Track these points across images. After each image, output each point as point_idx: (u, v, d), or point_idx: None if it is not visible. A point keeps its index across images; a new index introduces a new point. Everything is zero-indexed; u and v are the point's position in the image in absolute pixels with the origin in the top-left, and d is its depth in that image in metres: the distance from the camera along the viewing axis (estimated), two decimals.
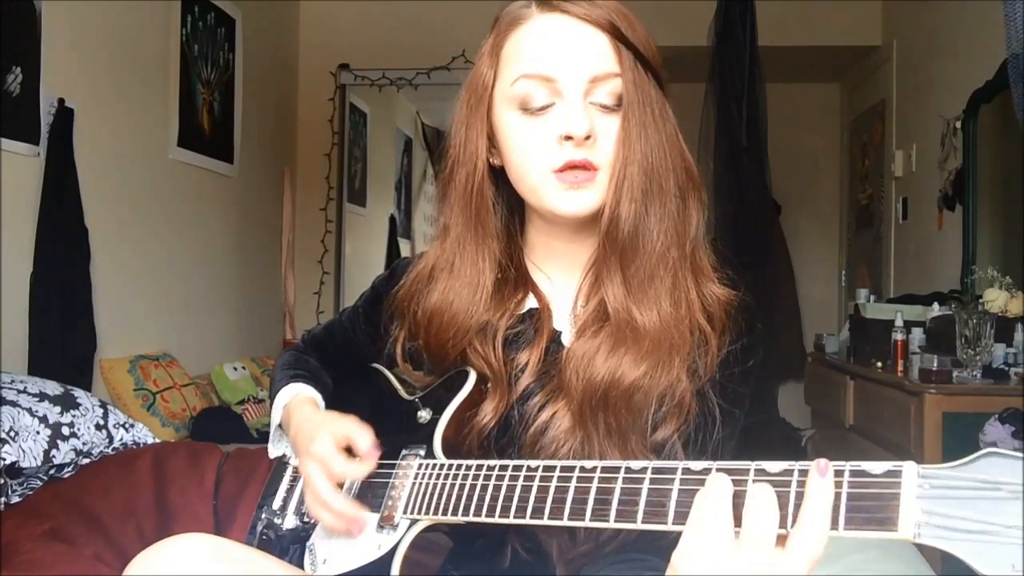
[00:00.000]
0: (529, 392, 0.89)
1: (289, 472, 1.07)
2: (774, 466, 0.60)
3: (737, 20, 3.51)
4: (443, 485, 0.80)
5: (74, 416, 2.13)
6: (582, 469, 0.69)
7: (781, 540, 0.57)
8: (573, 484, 0.69)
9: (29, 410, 2.02)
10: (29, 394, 2.08)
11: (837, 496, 0.56)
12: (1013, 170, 3.12)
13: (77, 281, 2.61)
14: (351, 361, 1.11)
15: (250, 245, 4.09)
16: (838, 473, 0.56)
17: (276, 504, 1.04)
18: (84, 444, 2.12)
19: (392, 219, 5.38)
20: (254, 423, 3.24)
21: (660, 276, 0.85)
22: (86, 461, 2.07)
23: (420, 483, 0.83)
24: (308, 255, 4.63)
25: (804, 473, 0.58)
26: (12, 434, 1.92)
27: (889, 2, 4.38)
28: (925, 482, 0.53)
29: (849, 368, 3.33)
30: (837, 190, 5.21)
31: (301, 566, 0.95)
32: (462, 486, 0.78)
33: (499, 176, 0.93)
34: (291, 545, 0.99)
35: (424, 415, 0.91)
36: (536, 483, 0.72)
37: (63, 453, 2.04)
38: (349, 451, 0.90)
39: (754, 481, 0.59)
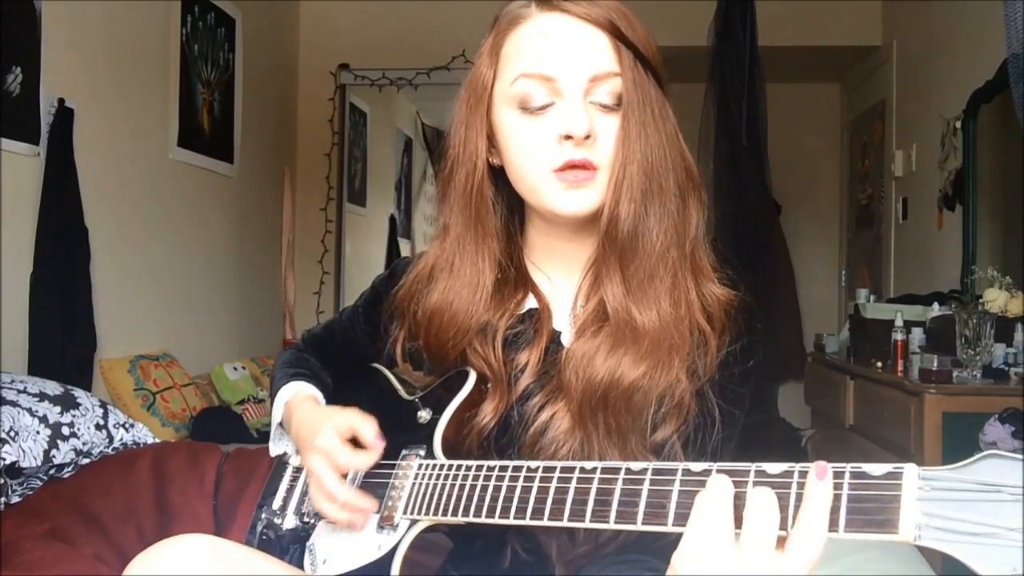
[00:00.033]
0: (529, 393, 0.89)
1: (289, 472, 1.07)
2: (774, 467, 0.60)
3: (737, 20, 3.51)
4: (443, 485, 0.80)
5: (74, 416, 2.13)
6: (582, 470, 0.69)
7: (781, 542, 0.57)
8: (573, 485, 0.69)
9: (29, 410, 2.02)
10: (29, 394, 2.08)
11: (837, 498, 0.56)
12: (1013, 170, 3.12)
13: (77, 281, 2.61)
14: (351, 361, 1.12)
15: (250, 245, 4.10)
16: (838, 475, 0.56)
17: (276, 504, 1.04)
18: (84, 444, 2.12)
19: (392, 219, 5.38)
20: (254, 423, 3.24)
21: (660, 276, 0.85)
22: (86, 461, 2.07)
23: (420, 483, 0.83)
24: (308, 255, 4.63)
25: (804, 475, 0.58)
26: (12, 434, 1.92)
27: (889, 2, 4.38)
28: (926, 484, 0.53)
29: (849, 368, 3.33)
30: (837, 190, 5.21)
31: (301, 566, 0.95)
32: (462, 487, 0.78)
33: (499, 176, 0.93)
34: (291, 545, 0.99)
35: (424, 415, 0.91)
36: (536, 484, 0.72)
37: (63, 453, 2.04)
38: (352, 443, 0.90)
39: (754, 483, 0.59)
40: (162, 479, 2.00)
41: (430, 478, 0.82)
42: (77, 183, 2.61)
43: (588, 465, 0.70)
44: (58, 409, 2.10)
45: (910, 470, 0.54)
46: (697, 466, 0.63)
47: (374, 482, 0.89)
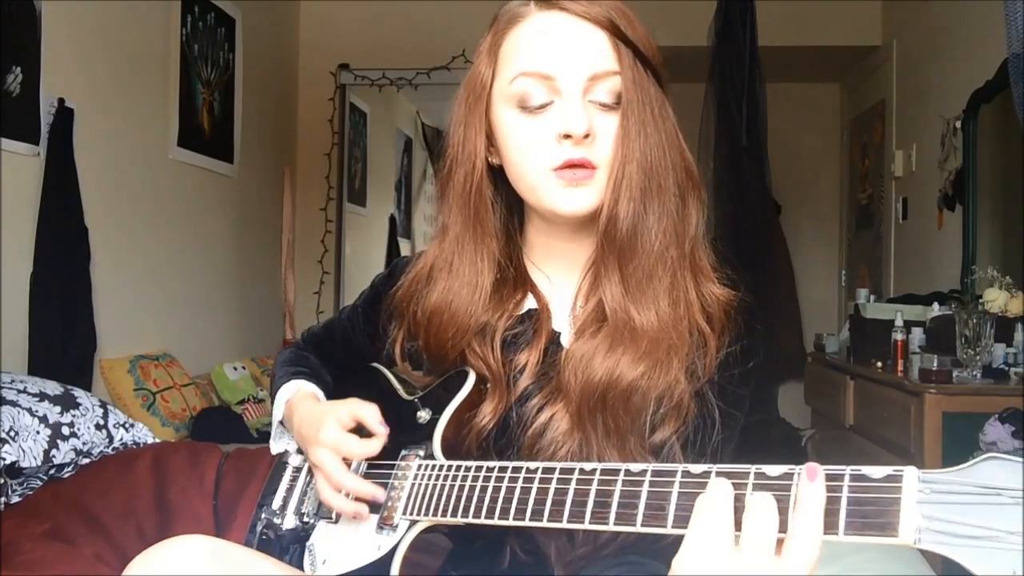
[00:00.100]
0: (528, 394, 0.89)
1: (288, 472, 1.07)
2: (774, 470, 0.59)
3: (737, 20, 3.51)
4: (442, 486, 0.80)
5: (74, 416, 2.13)
6: (581, 471, 0.69)
7: (780, 544, 0.57)
8: (572, 486, 0.69)
9: (29, 410, 2.02)
10: (29, 394, 2.08)
11: (837, 500, 0.56)
12: (1013, 170, 3.12)
13: (77, 281, 2.61)
14: (351, 360, 1.11)
15: (250, 245, 4.09)
16: (838, 477, 0.56)
17: (276, 504, 1.04)
18: (84, 444, 2.12)
19: (392, 219, 5.38)
20: (254, 423, 3.24)
21: (659, 276, 0.85)
22: (86, 461, 2.07)
23: (419, 484, 0.83)
24: (308, 255, 4.63)
25: None
26: (12, 434, 1.92)
27: (889, 2, 4.38)
28: (926, 487, 0.53)
29: (849, 368, 3.33)
30: (837, 190, 5.21)
31: (301, 566, 0.95)
32: (461, 487, 0.78)
33: (498, 175, 0.93)
34: (291, 545, 0.99)
35: (424, 415, 0.91)
36: (535, 485, 0.72)
37: (63, 453, 2.04)
38: (356, 433, 0.90)
39: (754, 485, 0.59)
40: (162, 479, 2.00)
41: (429, 478, 0.82)
42: (77, 183, 2.61)
43: (587, 466, 0.69)
44: (58, 409, 2.10)
45: (910, 473, 0.54)
46: (697, 468, 0.63)
47: (374, 482, 0.89)
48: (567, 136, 0.83)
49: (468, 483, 0.78)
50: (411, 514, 0.82)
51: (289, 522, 1.00)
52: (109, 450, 2.19)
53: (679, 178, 0.87)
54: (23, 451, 1.93)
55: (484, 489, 0.76)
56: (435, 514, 0.80)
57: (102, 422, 2.22)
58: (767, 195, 3.74)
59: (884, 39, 4.39)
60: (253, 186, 4.09)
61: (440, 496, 0.80)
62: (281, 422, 1.06)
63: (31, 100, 2.46)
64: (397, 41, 4.51)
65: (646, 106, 0.85)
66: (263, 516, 1.04)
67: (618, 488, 0.66)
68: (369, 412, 0.90)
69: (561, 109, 0.85)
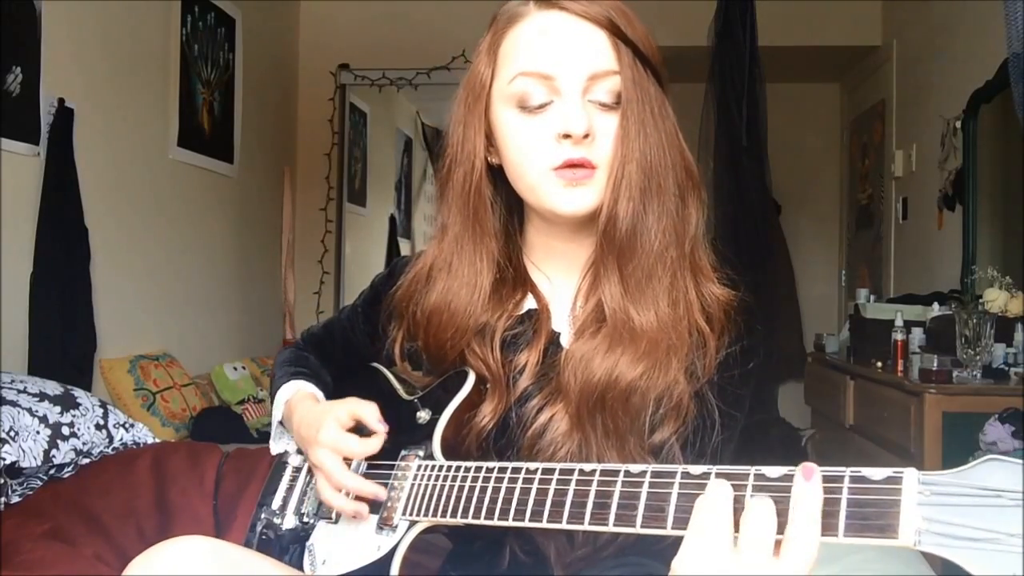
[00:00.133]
0: (528, 394, 0.89)
1: (288, 472, 1.07)
2: (773, 471, 0.59)
3: (737, 20, 3.51)
4: (442, 487, 0.80)
5: (74, 416, 2.13)
6: (581, 472, 0.69)
7: (779, 545, 0.57)
8: (572, 487, 0.69)
9: (29, 410, 2.02)
10: (29, 394, 2.08)
11: (837, 502, 0.55)
12: (1013, 170, 3.12)
13: (77, 281, 2.61)
14: (350, 360, 1.11)
15: (250, 245, 4.09)
16: (838, 479, 0.56)
17: (275, 504, 1.04)
18: (84, 444, 2.12)
19: (392, 219, 5.38)
20: (254, 423, 3.24)
21: (658, 276, 0.85)
22: (86, 461, 2.07)
23: (419, 484, 0.83)
24: (308, 255, 4.63)
25: None
26: (12, 434, 1.92)
27: (889, 2, 4.38)
28: (926, 488, 0.53)
29: (849, 368, 3.33)
30: (837, 190, 5.21)
31: (300, 566, 0.95)
32: (461, 488, 0.78)
33: (497, 175, 0.93)
34: (291, 545, 0.99)
35: (423, 415, 0.91)
36: (535, 486, 0.72)
37: (63, 453, 2.04)
38: (355, 432, 0.90)
39: (754, 487, 0.59)
40: (162, 479, 2.00)
41: (429, 479, 0.82)
42: (77, 183, 2.61)
43: (587, 467, 0.69)
44: (58, 409, 2.10)
45: (910, 475, 0.53)
46: (696, 469, 0.63)
47: (374, 482, 0.89)
48: (567, 136, 0.83)
49: (468, 484, 0.77)
50: (411, 514, 0.82)
51: (289, 522, 1.00)
52: (109, 450, 2.19)
53: (679, 178, 0.87)
54: (23, 451, 1.93)
55: (484, 490, 0.76)
56: (435, 515, 0.79)
57: (102, 422, 2.22)
58: (767, 195, 3.74)
59: (884, 39, 4.39)
60: (253, 186, 4.09)
61: (440, 497, 0.80)
62: (281, 422, 1.06)
63: (31, 100, 2.46)
64: (397, 41, 4.51)
65: (646, 105, 0.85)
66: (263, 516, 1.04)
67: (617, 489, 0.66)
68: (368, 411, 0.90)
69: (561, 109, 0.84)
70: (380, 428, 0.88)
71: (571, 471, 0.70)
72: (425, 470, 0.84)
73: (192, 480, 2.02)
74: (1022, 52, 2.21)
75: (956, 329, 2.69)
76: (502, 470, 0.75)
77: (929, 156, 3.73)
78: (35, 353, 2.43)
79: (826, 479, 0.57)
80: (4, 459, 1.86)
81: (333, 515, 0.94)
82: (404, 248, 5.38)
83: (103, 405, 2.28)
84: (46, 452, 2.00)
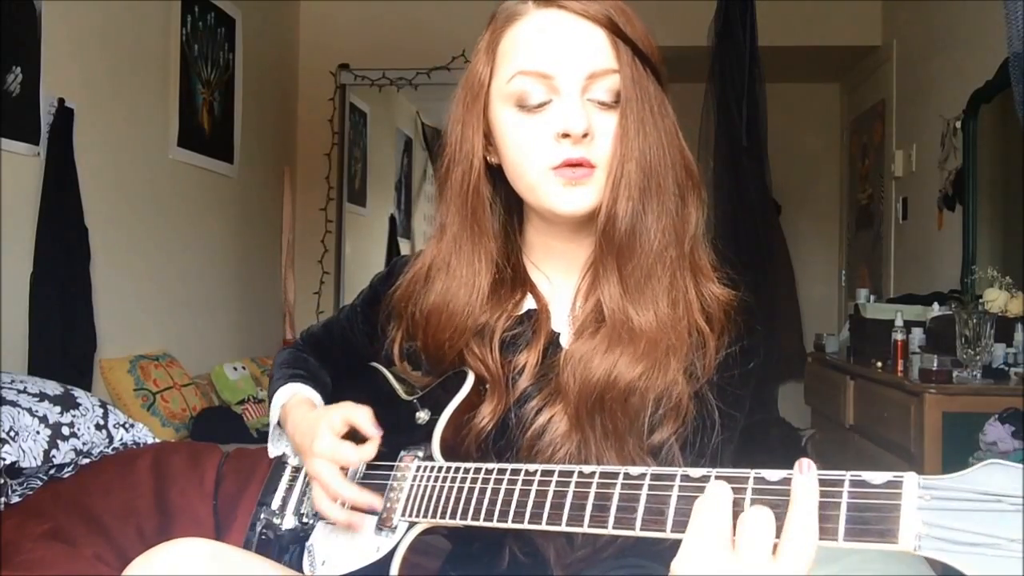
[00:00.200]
0: (527, 395, 0.88)
1: (288, 472, 1.07)
2: (773, 474, 0.59)
3: (737, 20, 3.51)
4: (442, 488, 0.80)
5: (74, 416, 2.13)
6: (580, 474, 0.69)
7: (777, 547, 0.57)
8: (572, 489, 0.69)
9: (29, 410, 2.02)
10: (29, 394, 2.08)
11: (837, 506, 0.55)
12: (1013, 170, 3.12)
13: (77, 281, 2.61)
14: (350, 360, 1.11)
15: (250, 245, 4.09)
16: (838, 483, 0.56)
17: (275, 504, 1.04)
18: (84, 444, 2.12)
19: (392, 219, 5.38)
20: (254, 423, 3.24)
21: (657, 275, 0.84)
22: (86, 461, 2.07)
23: (418, 485, 0.83)
24: (308, 255, 4.63)
25: None
26: (12, 434, 1.92)
27: (889, 2, 4.38)
28: (926, 493, 0.52)
29: (849, 368, 3.33)
30: (837, 190, 5.21)
31: (300, 566, 0.94)
32: (460, 489, 0.78)
33: (496, 175, 0.92)
34: (290, 545, 0.99)
35: (423, 416, 0.90)
36: (534, 487, 0.71)
37: (63, 453, 2.04)
38: (351, 436, 0.90)
39: (753, 489, 0.59)
40: (162, 479, 2.00)
41: (428, 480, 0.82)
42: (77, 183, 2.61)
43: (587, 469, 0.69)
44: (58, 409, 2.10)
45: (910, 479, 0.53)
46: (696, 472, 0.63)
47: (372, 483, 0.89)
48: (566, 135, 0.83)
49: (467, 485, 0.77)
50: (410, 516, 0.82)
51: (288, 522, 1.00)
52: (109, 450, 2.19)
53: (678, 177, 0.87)
54: (23, 451, 1.93)
55: (483, 491, 0.75)
56: (434, 516, 0.79)
57: (102, 422, 2.22)
58: (767, 195, 3.74)
59: (884, 39, 4.39)
60: (253, 186, 4.09)
61: (439, 498, 0.79)
62: (279, 423, 1.06)
63: (31, 100, 2.46)
64: (397, 41, 4.51)
65: (645, 104, 0.85)
66: (262, 516, 1.04)
67: (617, 491, 0.66)
68: (361, 416, 0.89)
69: (560, 108, 0.84)
70: (375, 433, 0.88)
71: (570, 473, 0.70)
72: (424, 471, 0.83)
73: (192, 480, 2.02)
74: (1022, 52, 2.21)
75: (956, 329, 2.68)
76: (501, 471, 0.75)
77: (929, 156, 3.72)
78: (35, 353, 2.43)
79: (826, 483, 0.56)
80: (4, 459, 1.86)
81: None
82: (404, 248, 5.38)
83: (103, 405, 2.28)
84: (46, 452, 2.00)
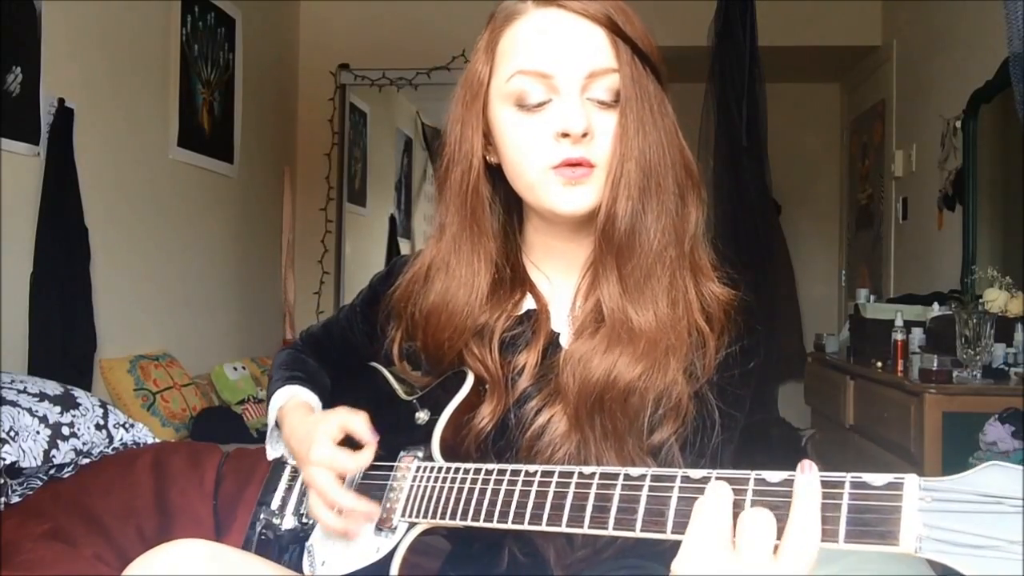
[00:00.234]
0: (527, 395, 0.88)
1: (287, 472, 1.07)
2: (774, 476, 0.59)
3: (737, 20, 3.51)
4: (441, 488, 0.80)
5: (74, 416, 2.13)
6: (580, 475, 0.69)
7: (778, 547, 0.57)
8: (572, 490, 0.69)
9: (29, 410, 2.02)
10: (29, 394, 2.08)
11: (837, 508, 0.55)
12: (1013, 170, 3.12)
13: (77, 281, 2.61)
14: (349, 360, 1.11)
15: (250, 245, 4.09)
16: (838, 484, 0.56)
17: (275, 504, 1.04)
18: (84, 444, 2.12)
19: (392, 219, 5.38)
20: (254, 423, 3.24)
21: (657, 275, 0.84)
22: (86, 461, 2.07)
23: (418, 486, 0.83)
24: (308, 255, 4.63)
25: None
26: (12, 434, 1.92)
27: (889, 2, 4.38)
28: (927, 495, 0.52)
29: (849, 368, 3.33)
30: (837, 190, 5.21)
31: (300, 566, 0.94)
32: (460, 490, 0.78)
33: (496, 174, 0.92)
34: (290, 545, 0.99)
35: (422, 416, 0.90)
36: (534, 488, 0.71)
37: (63, 453, 2.04)
38: (347, 442, 0.90)
39: (754, 491, 0.59)
40: (162, 479, 2.00)
41: (428, 480, 0.82)
42: (77, 183, 2.61)
43: (587, 470, 0.69)
44: (58, 409, 2.10)
45: (911, 481, 0.53)
46: (696, 473, 0.63)
47: (372, 484, 0.89)
48: (565, 135, 0.83)
49: (467, 486, 0.77)
50: (410, 516, 0.82)
51: (288, 522, 1.00)
52: (109, 450, 2.19)
53: (678, 176, 0.86)
54: (23, 451, 1.93)
55: (483, 492, 0.75)
56: (434, 516, 0.79)
57: (102, 422, 2.22)
58: (767, 195, 3.74)
59: (884, 39, 4.39)
60: (253, 186, 4.08)
61: (439, 498, 0.79)
62: (278, 425, 1.05)
63: (31, 100, 2.46)
64: (397, 41, 4.51)
65: (645, 103, 0.84)
66: (262, 516, 1.04)
67: (617, 492, 0.65)
68: (358, 422, 0.89)
69: (559, 107, 0.84)
70: (371, 439, 0.87)
71: (570, 474, 0.70)
72: (424, 471, 0.83)
73: (192, 480, 2.02)
74: (1022, 52, 2.21)
75: (956, 329, 2.68)
76: (501, 472, 0.75)
77: (929, 156, 3.72)
78: (35, 353, 2.43)
79: (827, 484, 0.56)
80: (4, 459, 1.86)
81: None
82: (404, 248, 5.38)
83: (103, 405, 2.28)
84: (46, 452, 2.00)
